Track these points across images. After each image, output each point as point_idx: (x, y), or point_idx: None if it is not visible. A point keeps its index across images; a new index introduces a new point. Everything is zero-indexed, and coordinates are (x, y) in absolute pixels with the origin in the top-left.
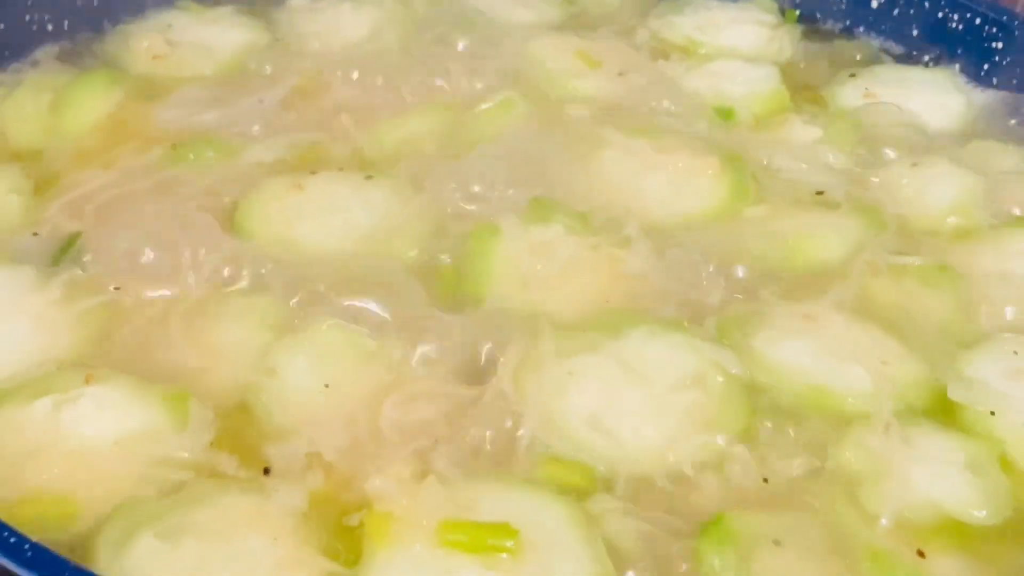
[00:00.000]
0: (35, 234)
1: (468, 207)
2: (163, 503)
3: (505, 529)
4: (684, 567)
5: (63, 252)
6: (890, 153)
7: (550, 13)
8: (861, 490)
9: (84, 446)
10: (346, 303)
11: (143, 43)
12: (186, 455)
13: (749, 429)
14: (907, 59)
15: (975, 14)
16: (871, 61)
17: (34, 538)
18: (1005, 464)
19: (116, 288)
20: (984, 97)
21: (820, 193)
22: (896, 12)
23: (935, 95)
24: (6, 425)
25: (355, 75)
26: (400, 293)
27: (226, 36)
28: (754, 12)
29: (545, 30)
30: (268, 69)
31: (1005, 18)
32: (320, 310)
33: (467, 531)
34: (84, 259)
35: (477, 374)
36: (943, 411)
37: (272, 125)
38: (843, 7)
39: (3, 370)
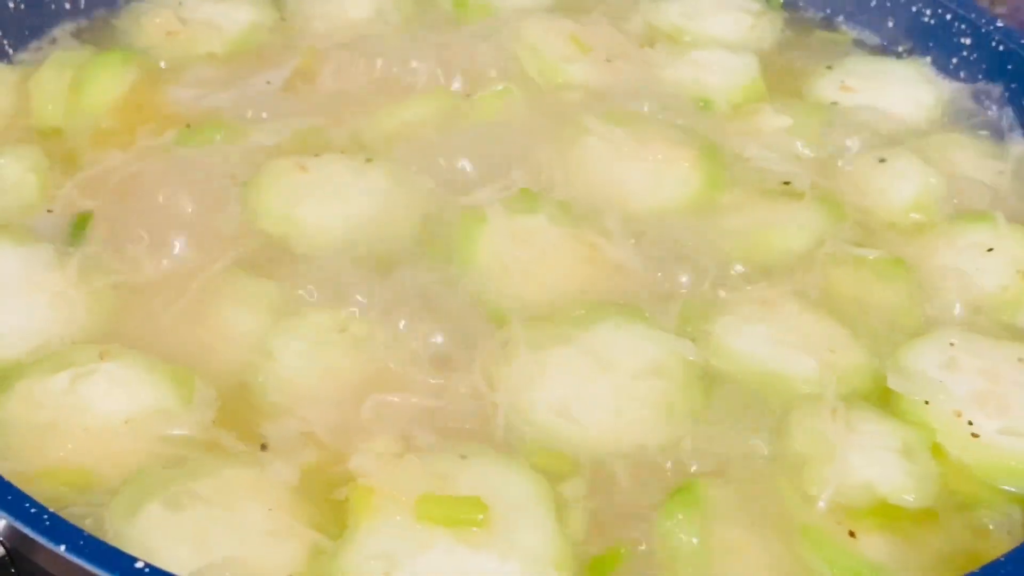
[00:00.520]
0: (49, 211)
1: (459, 194)
2: (169, 474)
3: (476, 504)
4: (643, 547)
5: (77, 231)
6: (859, 147)
7: None
8: (804, 471)
9: (98, 421)
10: (343, 286)
11: (155, 20)
12: (190, 432)
13: (705, 413)
14: (882, 50)
15: (946, 10)
16: (848, 51)
17: (52, 507)
18: (936, 451)
19: (128, 267)
20: (952, 89)
21: (787, 183)
22: (874, 3)
23: (907, 87)
24: (26, 398)
25: (357, 58)
26: (391, 277)
27: (234, 14)
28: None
29: (541, 12)
30: (274, 49)
31: (973, 15)
32: (319, 292)
33: (441, 505)
34: (98, 238)
35: (459, 359)
36: (884, 399)
37: (278, 107)
38: None
39: (23, 345)
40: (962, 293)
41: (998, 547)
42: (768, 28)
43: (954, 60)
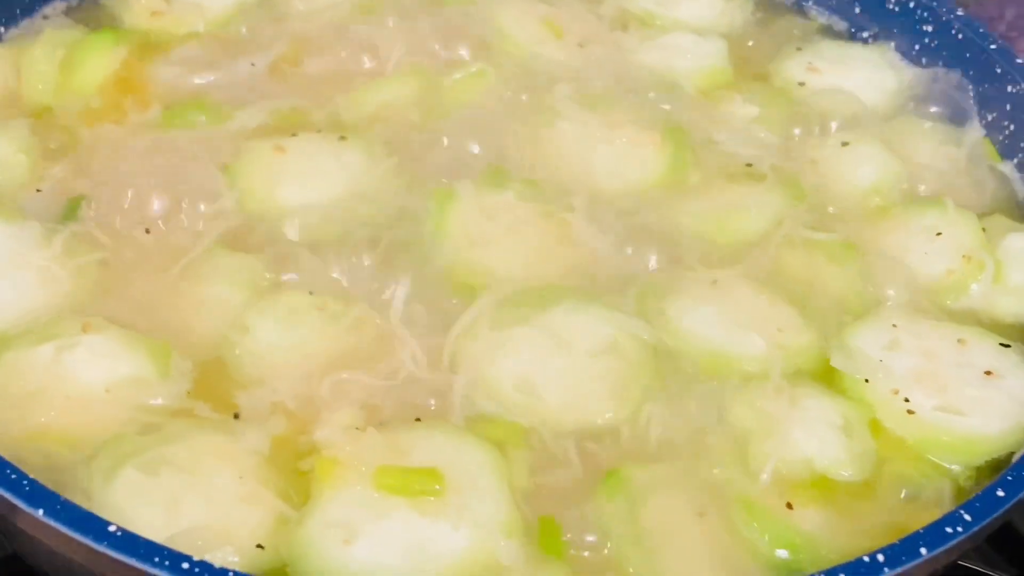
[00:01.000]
0: (38, 190)
1: (431, 172)
2: (144, 440)
3: (433, 475)
4: (588, 518)
5: (69, 212)
6: (821, 131)
7: None
8: (748, 446)
9: (80, 389)
10: (316, 263)
11: (142, 0)
12: (167, 401)
13: (656, 390)
14: (849, 35)
15: None
16: (816, 35)
17: (35, 471)
18: (874, 427)
19: (112, 244)
20: (914, 75)
21: (749, 166)
22: None
23: (871, 72)
24: (13, 367)
25: (338, 39)
26: (364, 254)
27: None
28: None
29: None
30: (257, 29)
31: (935, 3)
32: (293, 269)
33: (399, 476)
34: (84, 216)
35: (426, 334)
36: (828, 377)
37: (262, 89)
38: None
39: (10, 317)
40: (910, 276)
41: (927, 519)
42: (738, 12)
43: (917, 47)
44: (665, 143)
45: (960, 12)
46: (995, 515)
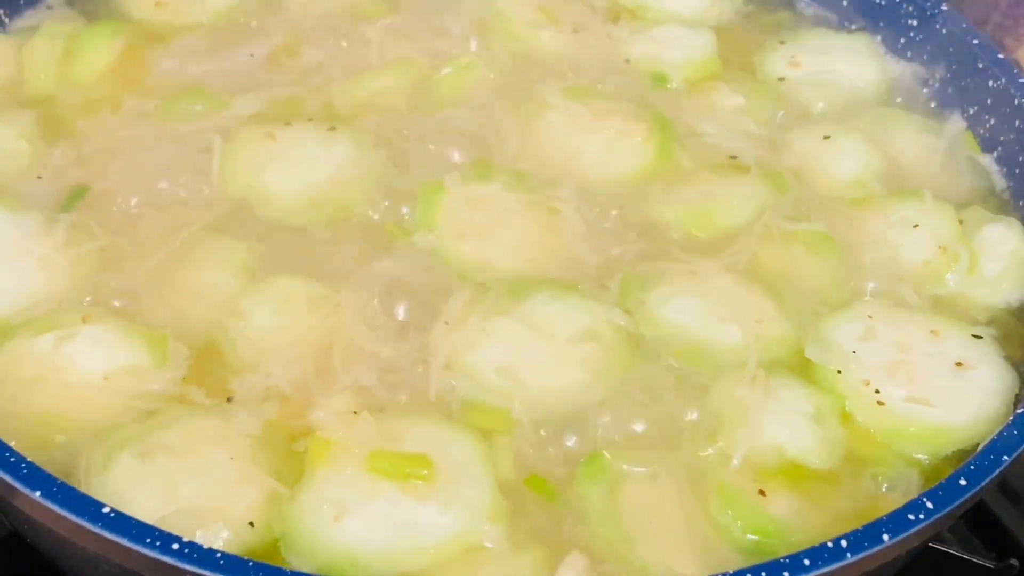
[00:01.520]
0: (39, 178)
1: (421, 163)
2: (140, 427)
3: (422, 460)
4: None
5: (72, 201)
6: (806, 123)
7: None
8: (722, 433)
9: (79, 378)
10: (305, 250)
11: None
12: (163, 388)
13: (634, 378)
14: (837, 27)
15: None
16: (804, 27)
17: (34, 455)
18: (844, 417)
19: (111, 233)
20: (898, 68)
21: (733, 158)
22: None
23: (856, 65)
24: (15, 356)
25: (332, 29)
26: (352, 243)
27: None
28: None
29: None
30: (256, 20)
31: None
32: (285, 256)
33: (391, 460)
34: (85, 204)
35: (415, 322)
36: (803, 368)
37: (260, 79)
38: None
39: (13, 306)
40: (888, 267)
41: (892, 507)
42: (728, 4)
43: (902, 40)
44: (652, 134)
45: (944, 7)
46: (957, 503)
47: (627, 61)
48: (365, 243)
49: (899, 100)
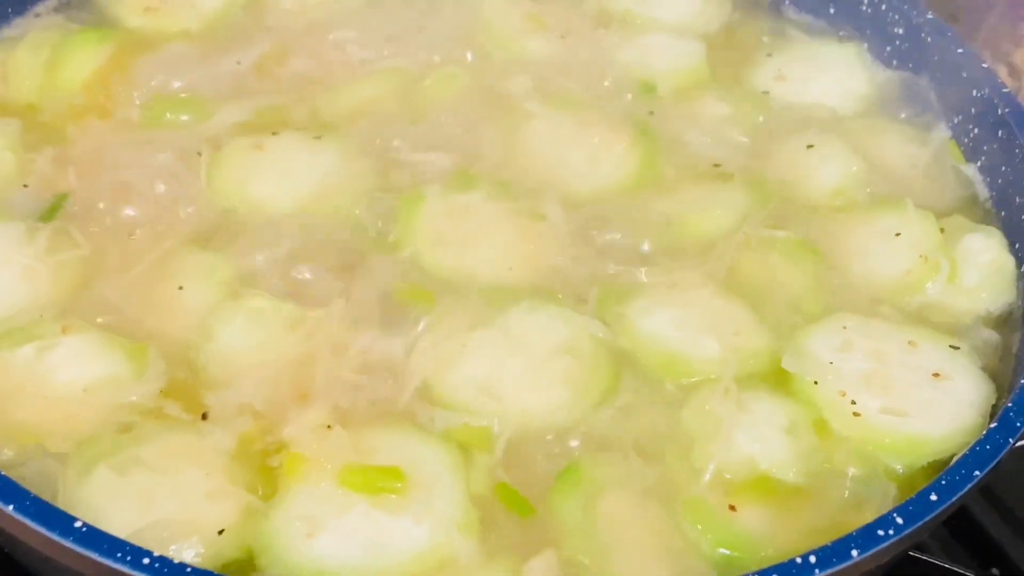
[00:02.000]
0: (25, 186)
1: (403, 172)
2: (117, 440)
3: (394, 473)
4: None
5: (53, 211)
6: (790, 131)
7: None
8: (694, 446)
9: (59, 389)
10: (283, 263)
11: None
12: (141, 400)
13: (612, 390)
14: (824, 35)
15: (881, 0)
16: (791, 35)
17: (12, 467)
18: (820, 429)
19: (93, 243)
20: (884, 76)
21: (717, 166)
22: None
23: (842, 73)
24: None
25: (320, 36)
26: (334, 255)
27: None
28: None
29: None
30: (244, 28)
31: (905, 6)
32: (266, 269)
33: (362, 474)
34: (67, 213)
35: (392, 335)
36: (780, 379)
37: (244, 87)
38: None
39: None
40: (868, 276)
41: (864, 520)
42: (716, 12)
43: (888, 48)
44: (636, 143)
45: (930, 15)
46: (927, 519)
47: (614, 69)
48: (346, 254)
49: (885, 109)
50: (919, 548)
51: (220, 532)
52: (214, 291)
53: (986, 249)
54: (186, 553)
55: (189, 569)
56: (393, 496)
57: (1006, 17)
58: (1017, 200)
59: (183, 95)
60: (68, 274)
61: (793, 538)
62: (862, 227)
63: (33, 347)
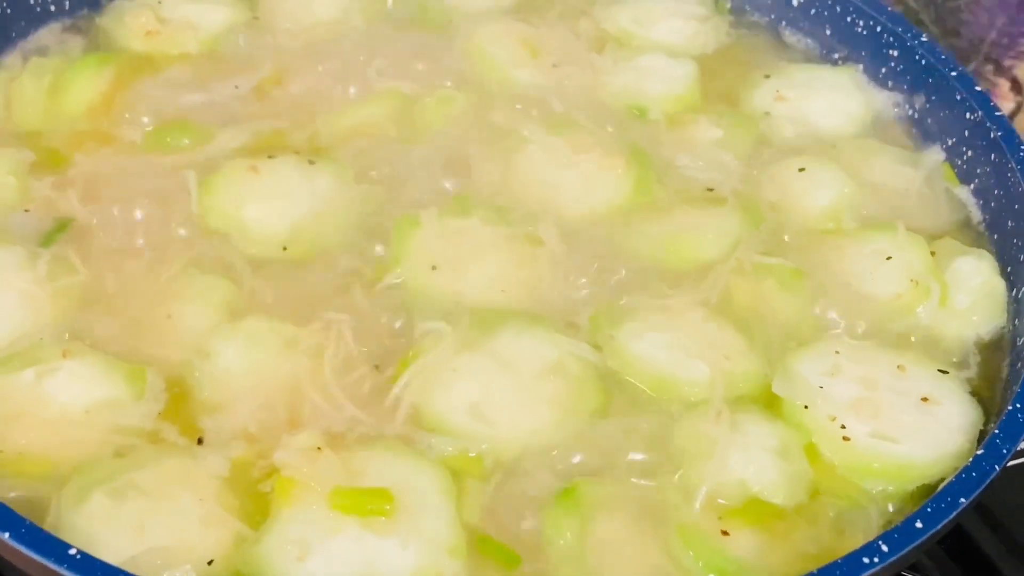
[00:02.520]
0: (26, 211)
1: (398, 197)
2: (113, 466)
3: (383, 495)
4: (531, 538)
5: (53, 235)
6: (783, 154)
7: None
8: (686, 469)
9: (59, 413)
10: (277, 286)
11: (138, 19)
12: (139, 423)
13: (602, 414)
14: (820, 57)
15: (876, 22)
16: (787, 57)
17: (13, 494)
18: (810, 453)
19: (92, 267)
20: (880, 98)
21: (710, 190)
22: (813, 12)
23: (838, 95)
24: None
25: (319, 60)
26: (328, 278)
27: (210, 14)
28: (691, 5)
29: (498, 15)
30: (243, 51)
31: (900, 28)
32: (261, 293)
33: (352, 497)
34: (68, 238)
35: (384, 360)
36: (770, 403)
37: (243, 110)
38: (768, 1)
39: None
40: (859, 300)
41: (852, 545)
42: (712, 33)
43: (883, 70)
44: (629, 168)
45: (924, 38)
46: (912, 546)
47: (608, 93)
48: (340, 278)
49: (879, 130)
50: (913, 568)
51: (209, 563)
52: (212, 313)
53: (977, 272)
54: None
55: None
56: (383, 518)
57: (1007, 32)
58: (1009, 224)
59: (184, 118)
60: (68, 298)
61: (784, 564)
62: (853, 250)
63: (34, 371)
